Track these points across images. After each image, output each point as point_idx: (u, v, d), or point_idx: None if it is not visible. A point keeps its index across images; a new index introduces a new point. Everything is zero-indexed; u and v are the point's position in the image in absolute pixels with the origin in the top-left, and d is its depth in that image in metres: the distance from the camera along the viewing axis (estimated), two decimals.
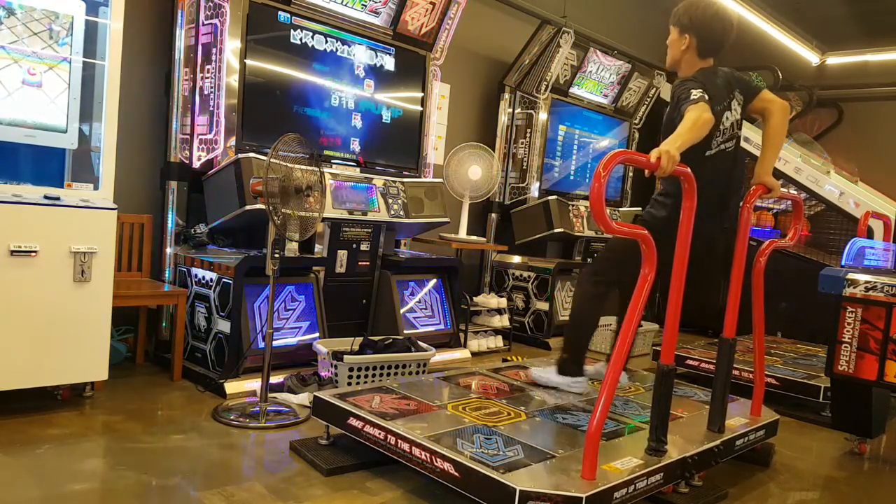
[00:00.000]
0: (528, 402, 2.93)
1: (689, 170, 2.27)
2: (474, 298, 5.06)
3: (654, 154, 2.15)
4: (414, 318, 4.34)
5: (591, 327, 3.08)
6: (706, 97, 2.50)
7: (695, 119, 2.40)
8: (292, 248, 3.69)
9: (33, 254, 2.73)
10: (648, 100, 6.73)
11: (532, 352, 5.03)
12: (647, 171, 2.20)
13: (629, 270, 2.94)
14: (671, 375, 2.43)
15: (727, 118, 2.74)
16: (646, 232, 2.18)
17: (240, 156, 3.51)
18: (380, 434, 2.46)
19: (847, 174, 6.68)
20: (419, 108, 4.65)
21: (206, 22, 3.64)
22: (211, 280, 3.54)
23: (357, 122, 4.29)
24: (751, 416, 3.01)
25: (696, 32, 2.72)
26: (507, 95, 5.67)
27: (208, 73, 3.63)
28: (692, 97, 2.50)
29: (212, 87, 3.62)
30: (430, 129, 4.75)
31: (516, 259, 5.61)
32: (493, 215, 5.72)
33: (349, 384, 3.28)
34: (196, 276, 3.65)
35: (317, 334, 3.78)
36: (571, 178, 6.15)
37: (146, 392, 3.31)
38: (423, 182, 4.53)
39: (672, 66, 2.88)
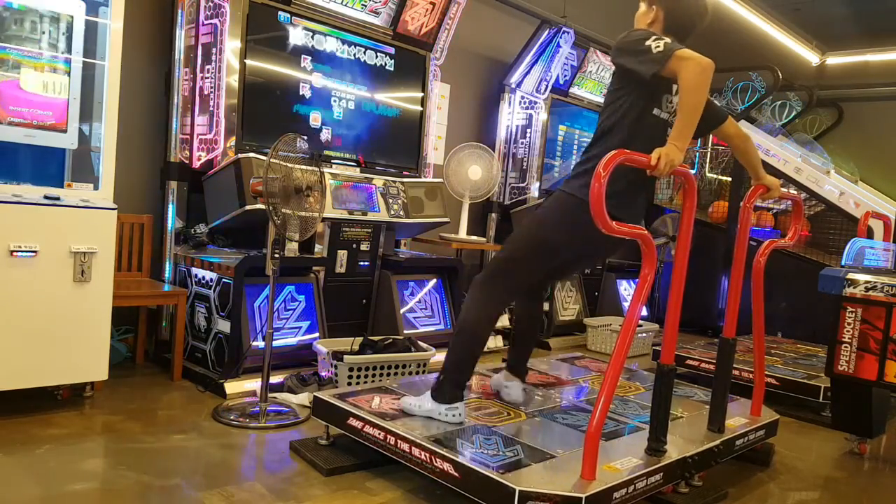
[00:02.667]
0: (528, 402, 2.93)
1: (690, 171, 2.27)
2: None
3: (654, 154, 2.14)
4: (414, 318, 4.34)
5: (483, 345, 2.62)
6: (673, 44, 2.21)
7: (694, 73, 2.11)
8: (292, 248, 3.68)
9: (33, 254, 2.73)
10: None
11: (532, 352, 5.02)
12: (648, 172, 2.20)
13: (533, 272, 2.61)
14: (671, 375, 2.43)
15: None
16: (646, 232, 2.17)
17: (240, 156, 3.51)
18: (380, 434, 2.46)
19: (847, 175, 6.69)
20: (419, 108, 4.65)
21: (206, 22, 3.64)
22: (211, 280, 3.54)
23: (357, 122, 4.29)
24: (751, 416, 3.01)
25: (665, 5, 2.46)
26: (507, 95, 5.67)
27: (208, 73, 3.63)
28: (657, 48, 2.19)
29: (212, 87, 3.62)
30: (430, 129, 4.75)
31: None
32: (493, 215, 5.72)
33: (349, 384, 3.28)
34: (196, 276, 3.65)
35: (317, 334, 3.78)
36: None
37: (146, 392, 3.31)
38: (423, 182, 4.53)
39: None
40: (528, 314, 2.96)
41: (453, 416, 2.51)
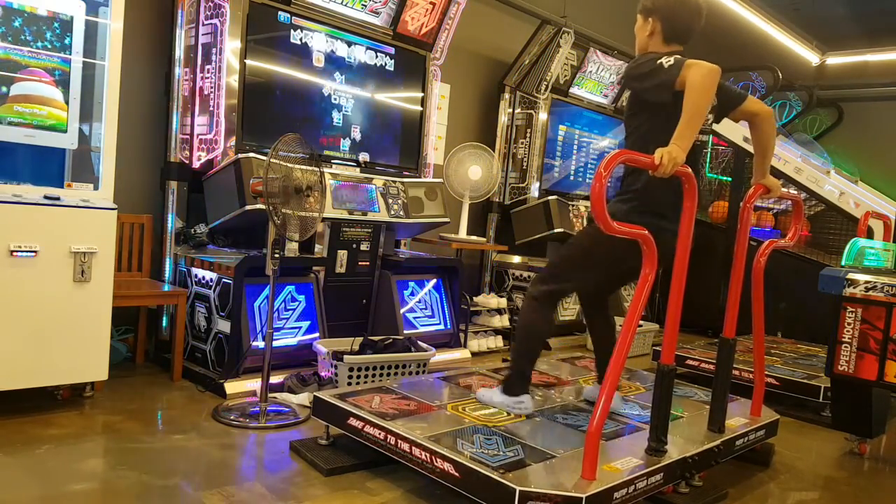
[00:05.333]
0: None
1: (689, 170, 2.27)
2: (474, 298, 5.06)
3: (657, 154, 2.15)
4: (414, 318, 4.34)
5: (542, 340, 2.83)
6: (682, 59, 2.30)
7: (696, 87, 2.19)
8: (292, 248, 3.69)
9: (33, 254, 2.73)
10: None
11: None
12: (650, 171, 2.20)
13: (587, 277, 2.74)
14: (671, 375, 2.43)
15: None
16: (646, 232, 2.18)
17: (240, 156, 3.51)
18: (380, 434, 2.46)
19: (847, 175, 6.69)
20: (419, 108, 4.65)
21: (206, 22, 3.64)
22: (211, 280, 3.54)
23: (357, 121, 4.29)
24: (751, 416, 3.01)
25: (661, 15, 2.56)
26: (507, 95, 5.67)
27: (208, 73, 3.63)
28: (665, 65, 2.30)
29: (212, 87, 3.62)
30: (430, 129, 4.75)
31: (516, 259, 5.61)
32: (493, 215, 5.72)
33: (349, 384, 3.28)
34: (196, 276, 3.65)
35: (317, 334, 3.78)
36: (571, 178, 6.15)
37: (146, 392, 3.31)
38: (423, 182, 4.53)
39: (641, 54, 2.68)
40: (598, 323, 2.99)
41: (520, 408, 2.72)
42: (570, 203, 5.67)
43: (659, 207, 2.47)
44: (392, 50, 4.42)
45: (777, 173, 5.91)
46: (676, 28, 2.57)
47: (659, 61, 2.35)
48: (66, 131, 2.87)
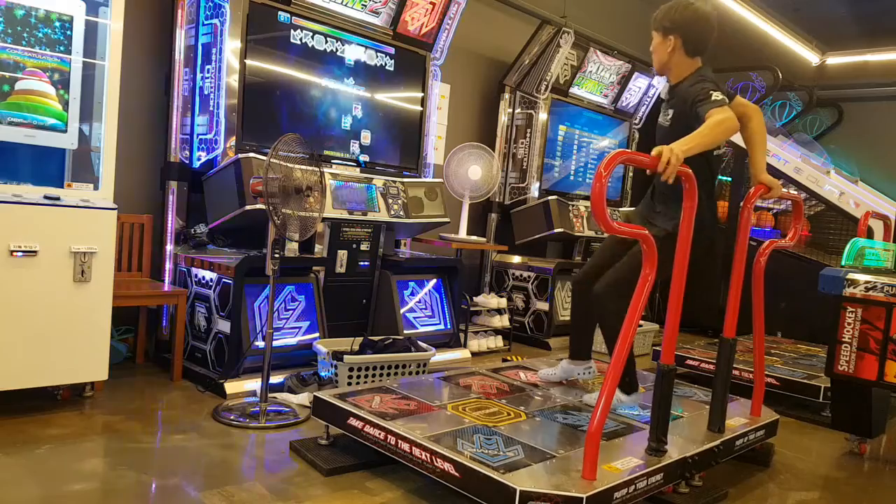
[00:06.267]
0: (528, 402, 2.93)
1: (689, 170, 2.27)
2: (474, 298, 5.06)
3: (655, 150, 2.15)
4: (414, 318, 4.34)
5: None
6: (727, 101, 2.53)
7: (720, 121, 2.39)
8: (292, 248, 3.69)
9: (33, 254, 2.73)
10: (648, 100, 6.74)
11: (532, 352, 5.04)
12: (648, 170, 2.20)
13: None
14: (671, 375, 2.43)
15: None
16: (646, 232, 2.18)
17: (240, 156, 3.51)
18: (380, 434, 2.46)
19: (847, 175, 6.69)
20: (419, 108, 4.65)
21: (206, 22, 3.64)
22: (211, 280, 3.54)
23: (357, 121, 4.29)
24: (751, 416, 3.01)
25: (681, 32, 2.71)
26: (507, 95, 5.67)
27: (208, 73, 3.63)
28: (713, 98, 2.49)
29: (212, 87, 3.62)
30: (430, 129, 4.75)
31: (516, 259, 5.61)
32: (493, 215, 5.72)
33: (349, 384, 3.28)
34: (196, 276, 3.65)
35: (317, 334, 3.78)
36: (571, 178, 6.15)
37: (146, 392, 3.31)
38: (423, 182, 4.53)
39: (661, 70, 2.84)
40: (588, 307, 3.06)
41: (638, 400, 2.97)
42: (570, 203, 5.67)
43: (706, 222, 2.65)
44: (392, 50, 4.42)
45: (777, 173, 5.92)
46: (696, 42, 2.73)
47: (711, 91, 2.51)
48: (66, 131, 2.87)
